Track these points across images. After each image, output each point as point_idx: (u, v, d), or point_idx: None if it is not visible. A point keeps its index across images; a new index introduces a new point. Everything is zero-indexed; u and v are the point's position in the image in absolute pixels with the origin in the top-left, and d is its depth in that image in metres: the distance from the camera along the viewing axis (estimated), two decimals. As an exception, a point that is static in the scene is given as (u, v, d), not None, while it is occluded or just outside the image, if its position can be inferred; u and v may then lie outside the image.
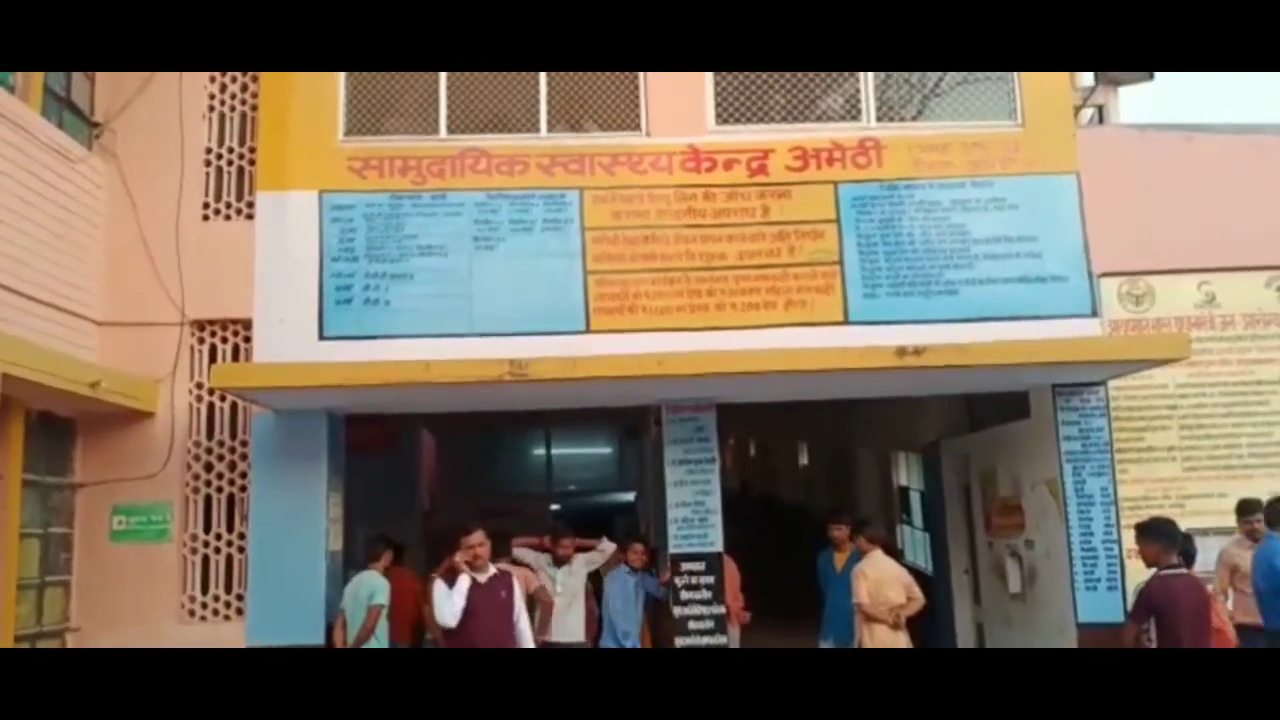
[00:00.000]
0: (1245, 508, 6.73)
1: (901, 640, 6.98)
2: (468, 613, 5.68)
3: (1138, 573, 6.92)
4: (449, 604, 5.69)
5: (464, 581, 5.76)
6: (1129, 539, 7.30)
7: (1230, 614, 6.49)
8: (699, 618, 7.40)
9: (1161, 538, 5.66)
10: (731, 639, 7.66)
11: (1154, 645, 5.53)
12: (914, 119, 8.04)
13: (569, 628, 7.31)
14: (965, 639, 9.76)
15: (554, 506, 14.82)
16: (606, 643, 7.57)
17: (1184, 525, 6.43)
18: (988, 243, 7.60)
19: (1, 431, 6.43)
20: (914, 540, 12.06)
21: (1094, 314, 7.54)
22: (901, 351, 6.65)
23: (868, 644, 6.94)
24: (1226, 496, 7.32)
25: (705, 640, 7.37)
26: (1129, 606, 6.67)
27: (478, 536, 5.85)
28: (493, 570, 5.93)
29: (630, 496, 14.89)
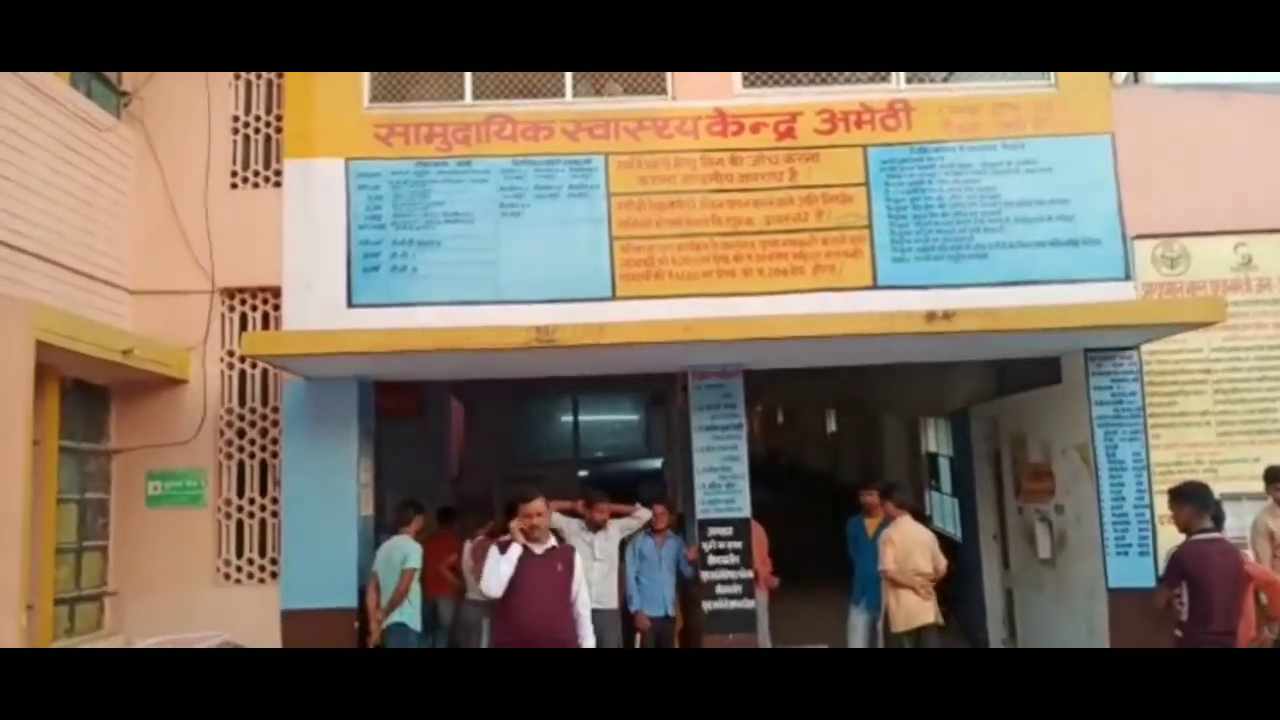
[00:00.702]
0: (1272, 474, 6.64)
1: (929, 608, 6.97)
2: (516, 585, 5.22)
3: (1170, 538, 6.89)
4: (496, 573, 5.27)
5: (515, 551, 5.30)
6: (1161, 504, 7.25)
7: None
8: (727, 582, 7.44)
9: (1194, 501, 5.61)
10: (759, 604, 7.70)
11: (1185, 609, 5.49)
12: (944, 80, 7.91)
13: (605, 594, 7.27)
14: (994, 604, 9.75)
15: (581, 473, 14.92)
16: (639, 606, 7.62)
17: (1217, 491, 6.38)
18: (1019, 205, 7.49)
19: (37, 399, 6.51)
20: (943, 506, 12.03)
21: (1127, 277, 7.44)
22: (931, 316, 6.59)
23: (895, 610, 6.95)
24: (1260, 461, 7.22)
25: (733, 604, 7.41)
26: (1160, 571, 6.63)
27: (538, 504, 5.37)
28: (552, 542, 5.47)
29: (658, 463, 14.97)
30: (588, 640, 5.39)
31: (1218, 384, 7.52)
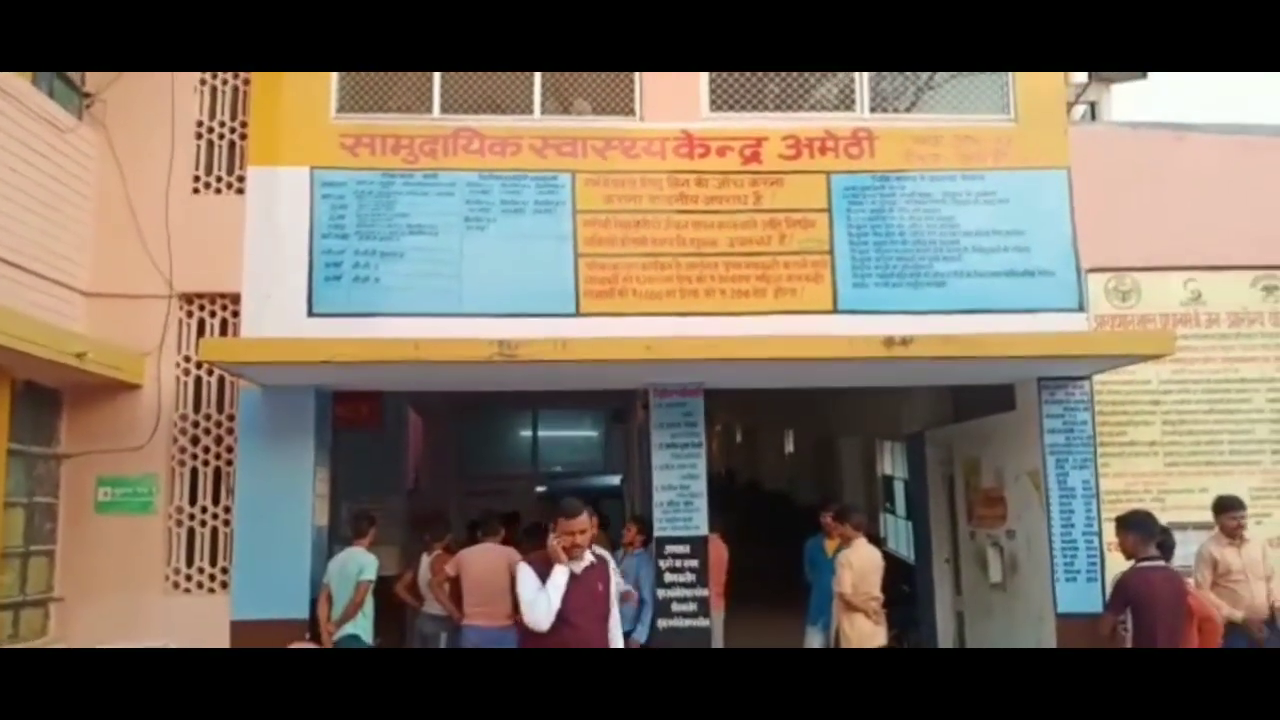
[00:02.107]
0: (1226, 504, 6.80)
1: (881, 632, 7.03)
2: (560, 613, 4.68)
3: (1117, 565, 6.99)
4: (543, 603, 4.67)
5: (561, 575, 4.72)
6: (1109, 531, 7.42)
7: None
8: (682, 600, 7.45)
9: (1139, 530, 5.74)
10: (715, 622, 7.72)
11: (1130, 635, 5.61)
12: (907, 110, 8.06)
13: (627, 618, 6.95)
14: (946, 627, 9.85)
15: (539, 488, 14.87)
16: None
17: (1164, 520, 6.55)
18: (977, 235, 7.64)
19: (-13, 400, 6.43)
20: (896, 529, 12.16)
21: (1080, 309, 7.60)
22: (889, 342, 6.69)
23: (848, 632, 6.99)
24: (1207, 492, 7.39)
25: (688, 623, 7.42)
26: (1107, 598, 6.76)
27: (582, 520, 4.80)
28: (589, 559, 4.88)
29: (616, 480, 14.96)
30: (615, 630, 5.07)
31: (1166, 415, 7.70)
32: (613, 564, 5.09)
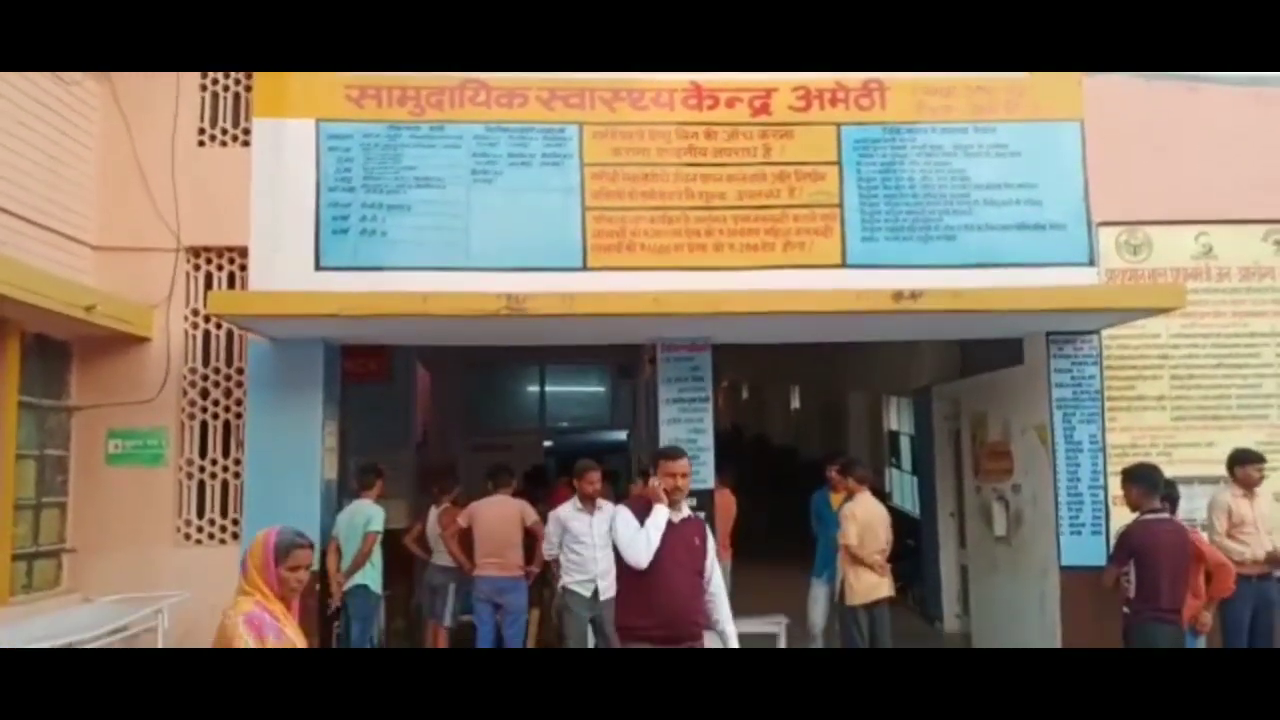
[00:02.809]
0: (1248, 457, 6.79)
1: (885, 583, 7.08)
2: (657, 560, 4.58)
3: (1122, 518, 7.05)
4: (642, 541, 4.55)
5: (663, 515, 4.62)
6: (1115, 485, 7.43)
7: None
8: (689, 553, 7.50)
9: (1143, 483, 5.77)
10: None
11: (1133, 587, 5.64)
12: (919, 61, 7.94)
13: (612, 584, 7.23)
14: (949, 581, 9.95)
15: (546, 443, 14.94)
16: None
17: (1170, 474, 6.56)
18: (988, 189, 7.57)
19: (-3, 353, 6.46)
20: (902, 483, 12.21)
21: (1091, 263, 7.55)
22: (898, 295, 6.67)
23: (852, 584, 7.04)
24: (1213, 446, 7.42)
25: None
26: (1111, 550, 6.80)
27: (685, 463, 4.73)
28: (686, 511, 4.81)
29: (623, 435, 15.02)
30: (729, 625, 4.81)
31: (1174, 370, 7.69)
32: (709, 530, 4.97)
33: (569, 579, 6.90)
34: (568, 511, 7.01)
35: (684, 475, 4.70)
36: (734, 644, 4.78)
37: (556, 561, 7.14)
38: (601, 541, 6.65)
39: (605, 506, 6.81)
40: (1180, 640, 5.62)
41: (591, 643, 6.94)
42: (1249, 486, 6.69)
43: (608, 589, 6.53)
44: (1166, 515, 5.72)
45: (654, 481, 4.74)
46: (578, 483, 7.03)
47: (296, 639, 3.41)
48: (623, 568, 4.67)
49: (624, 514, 4.71)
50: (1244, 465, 6.73)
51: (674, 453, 4.81)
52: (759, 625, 7.76)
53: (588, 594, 6.84)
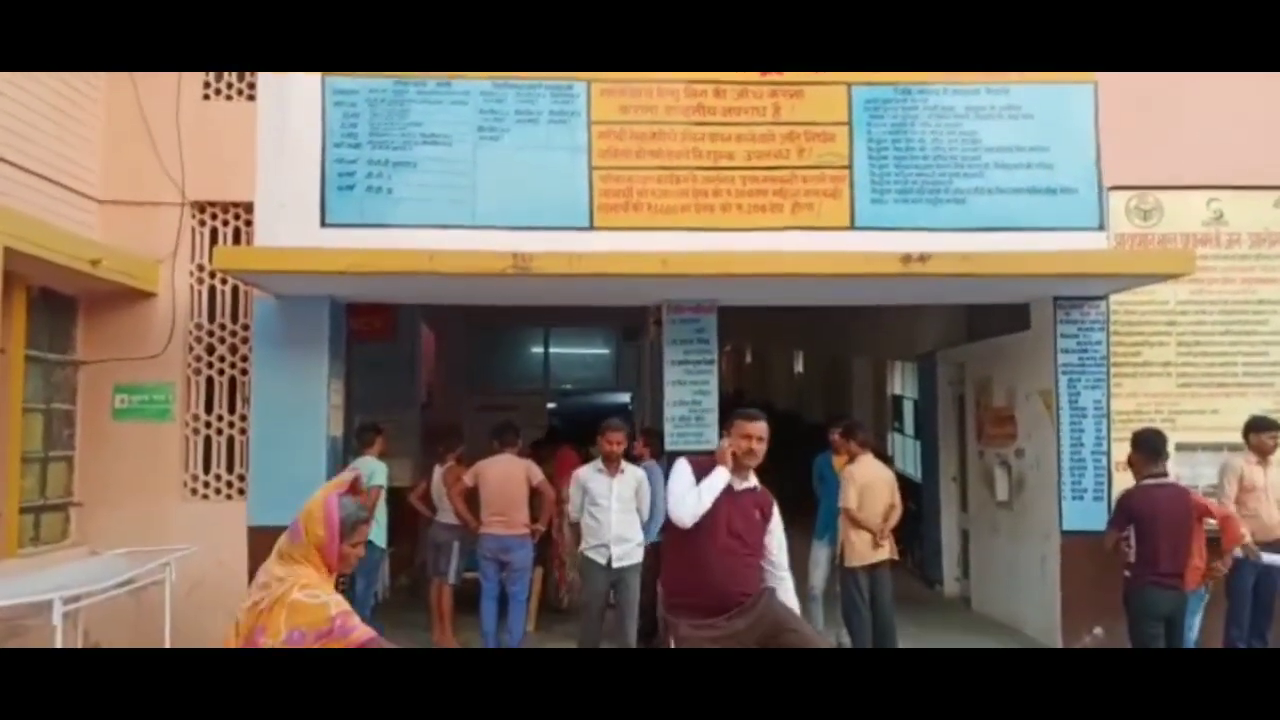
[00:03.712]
0: (1265, 424, 6.79)
1: (885, 546, 7.09)
2: (703, 523, 4.20)
3: (1125, 483, 7.05)
4: (691, 500, 4.19)
5: (722, 477, 4.24)
6: (1119, 451, 7.47)
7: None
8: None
9: (1144, 448, 5.77)
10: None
11: (1133, 551, 5.66)
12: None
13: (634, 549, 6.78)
14: (950, 545, 9.99)
15: (550, 405, 14.96)
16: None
17: (1175, 440, 6.58)
18: (999, 151, 7.51)
19: (4, 306, 6.43)
20: (904, 448, 12.23)
21: (1101, 227, 7.51)
22: (907, 259, 6.64)
23: (852, 545, 7.05)
24: (1218, 413, 7.43)
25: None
26: (1111, 515, 6.82)
27: (762, 426, 4.30)
28: (754, 482, 4.41)
29: (626, 398, 15.03)
30: (792, 602, 4.40)
31: (1181, 336, 7.66)
32: (775, 506, 4.49)
33: (585, 544, 6.58)
34: (588, 472, 6.62)
35: (760, 439, 4.27)
36: None
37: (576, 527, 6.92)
38: (620, 505, 6.42)
39: (628, 469, 6.61)
40: (1181, 604, 5.63)
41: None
42: (1264, 454, 6.69)
43: (622, 556, 6.40)
44: (1169, 480, 5.72)
45: (723, 443, 4.37)
46: (600, 441, 6.58)
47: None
48: (670, 527, 4.31)
49: (681, 466, 4.34)
50: (1260, 432, 6.72)
51: (753, 414, 4.37)
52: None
53: (602, 560, 6.44)
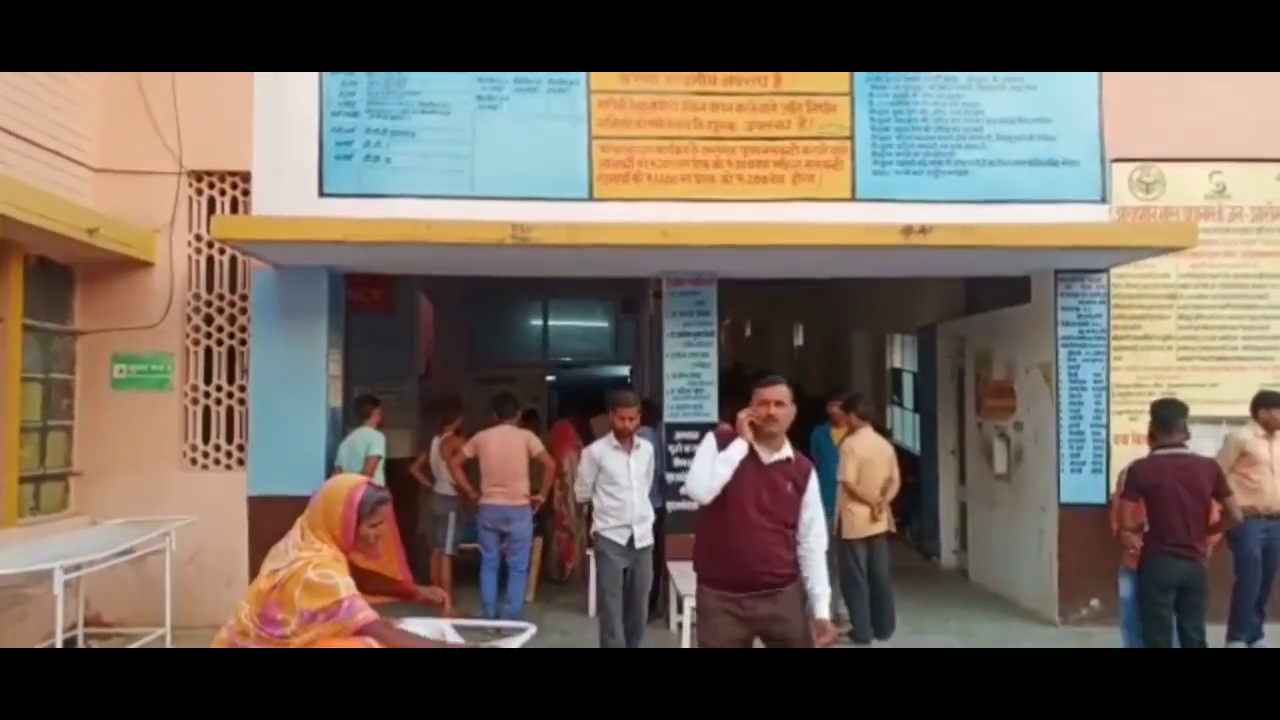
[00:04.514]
0: (1273, 399, 6.78)
1: (883, 519, 7.09)
2: (729, 496, 4.03)
3: (1122, 456, 7.09)
4: (705, 475, 4.08)
5: (739, 449, 4.05)
6: (1118, 424, 7.48)
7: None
8: (691, 485, 7.55)
9: (1157, 419, 5.73)
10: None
11: (1146, 522, 5.60)
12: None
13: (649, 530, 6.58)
14: (948, 517, 10.02)
15: (549, 378, 14.95)
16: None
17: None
18: (1002, 123, 7.46)
19: (1, 275, 6.42)
20: (904, 421, 12.24)
21: (1103, 200, 7.47)
22: (908, 230, 6.60)
23: (850, 517, 7.06)
24: (1217, 387, 7.43)
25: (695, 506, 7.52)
26: (1112, 489, 6.84)
27: (781, 390, 4.08)
28: (786, 453, 4.15)
29: (625, 371, 15.02)
30: (820, 586, 4.12)
31: (1182, 309, 7.65)
32: (814, 477, 4.24)
33: (601, 524, 6.12)
34: (602, 448, 6.16)
35: (778, 403, 4.03)
36: (823, 609, 4.11)
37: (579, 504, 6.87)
38: (639, 483, 6.09)
39: (644, 444, 6.25)
40: (1197, 575, 5.45)
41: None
42: (1272, 429, 6.70)
43: (644, 536, 6.09)
44: (1184, 451, 5.56)
45: (743, 413, 4.13)
46: (612, 416, 6.15)
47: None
48: (701, 504, 4.16)
49: (707, 440, 4.21)
50: (1270, 408, 6.72)
51: (770, 379, 4.14)
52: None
53: (622, 541, 6.06)
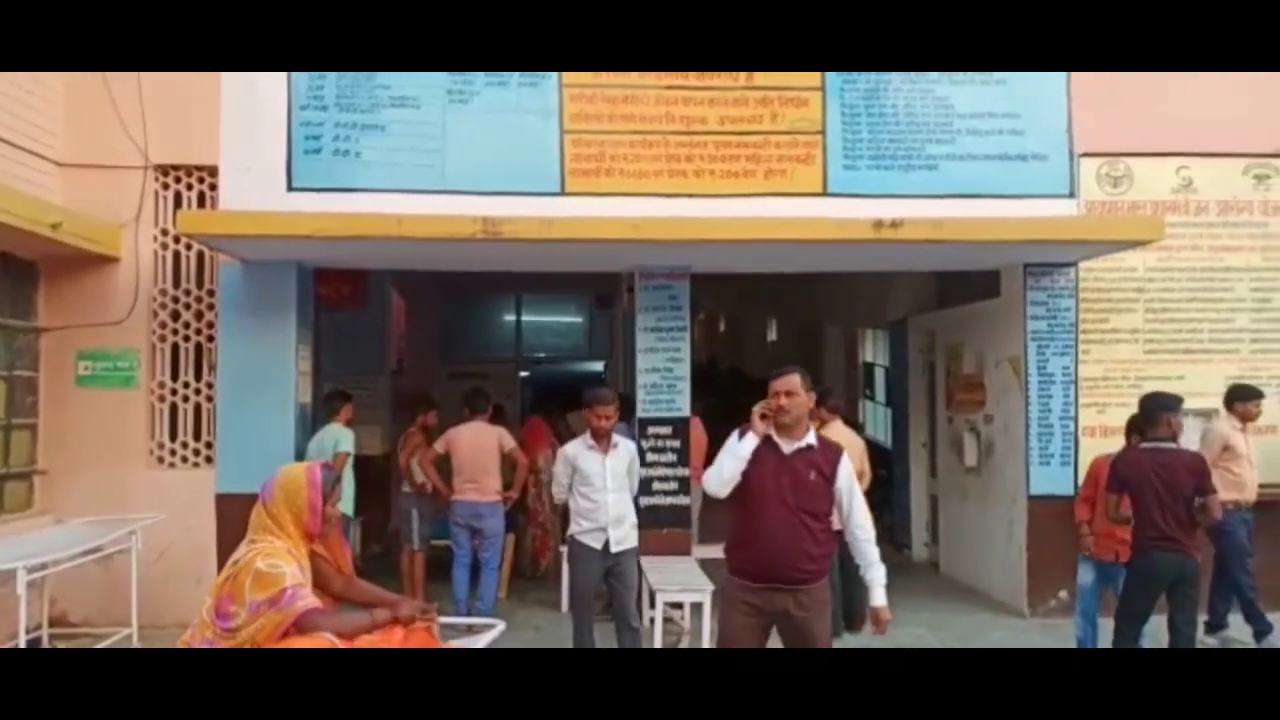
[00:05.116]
0: (1251, 393, 6.87)
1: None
2: (749, 489, 4.07)
3: (1091, 449, 7.17)
4: (718, 466, 4.15)
5: (749, 442, 4.09)
6: (1086, 416, 7.56)
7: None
8: (664, 479, 7.58)
9: (1140, 412, 5.74)
10: (694, 500, 7.85)
11: (1131, 514, 5.60)
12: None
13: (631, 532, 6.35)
14: (919, 510, 10.09)
15: (522, 374, 14.90)
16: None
17: (1134, 406, 6.61)
18: (971, 118, 7.50)
19: (-39, 270, 6.32)
20: (875, 414, 12.31)
21: (1071, 194, 7.54)
22: (878, 225, 6.63)
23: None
24: (1184, 379, 7.51)
25: (669, 500, 7.56)
26: (1079, 481, 6.90)
27: (791, 381, 4.08)
28: (810, 439, 4.15)
29: (599, 367, 15.00)
30: (873, 571, 4.16)
31: (1149, 303, 7.73)
32: (847, 461, 4.23)
33: (575, 527, 5.87)
34: (577, 449, 5.91)
35: (788, 394, 4.04)
36: (877, 596, 4.14)
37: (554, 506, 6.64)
38: (615, 484, 5.81)
39: (623, 444, 5.95)
40: (1185, 567, 5.34)
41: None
42: (1247, 421, 6.79)
43: (620, 540, 5.78)
44: (1163, 445, 5.43)
45: (756, 408, 4.13)
46: (588, 415, 5.90)
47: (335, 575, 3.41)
48: (731, 494, 4.16)
49: (731, 438, 4.20)
50: (1246, 401, 6.82)
51: (780, 371, 4.16)
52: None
53: (598, 545, 5.77)
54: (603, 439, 5.84)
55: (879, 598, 4.15)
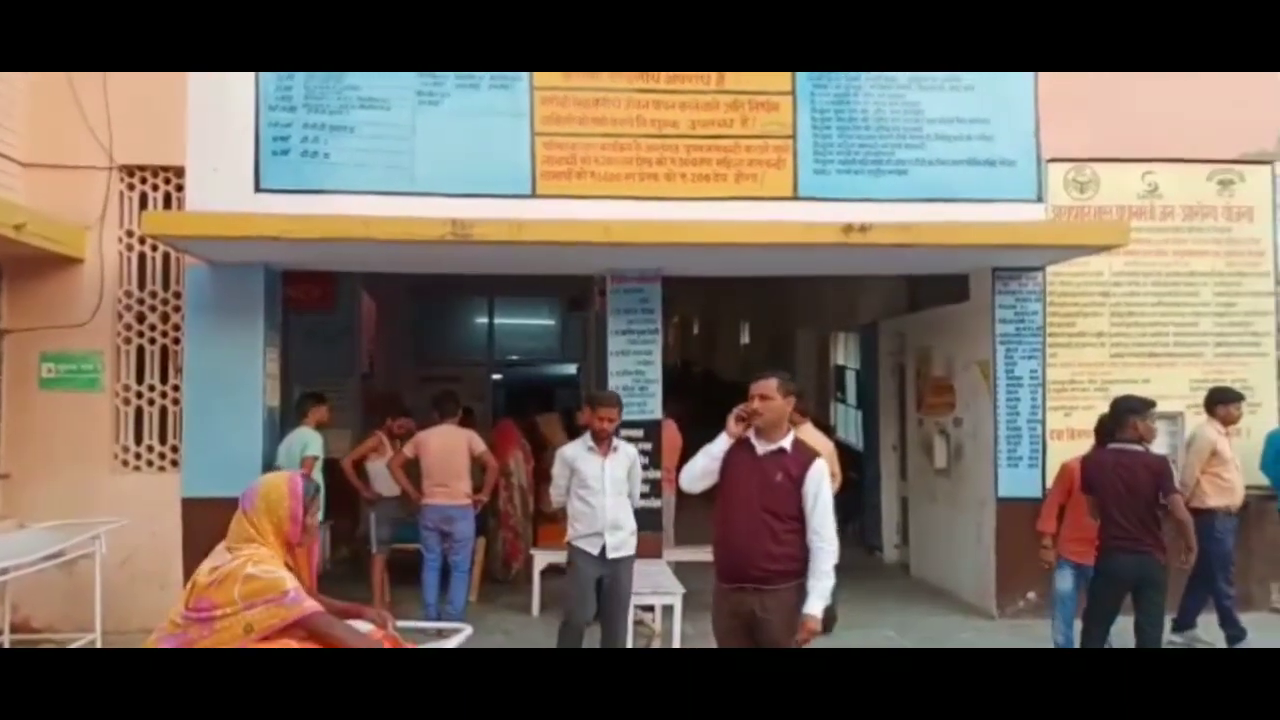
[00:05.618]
0: (1231, 396, 6.97)
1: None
2: (722, 489, 4.26)
3: (1058, 452, 7.24)
4: (692, 463, 4.36)
5: (720, 442, 4.26)
6: (1053, 420, 7.63)
7: (1204, 496, 6.75)
8: (635, 482, 7.56)
9: (1110, 414, 5.78)
10: (666, 503, 7.85)
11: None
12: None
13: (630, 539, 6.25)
14: (890, 512, 10.14)
15: (495, 376, 14.86)
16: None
17: (1105, 410, 6.68)
18: (941, 123, 7.54)
19: (-80, 271, 6.22)
20: (846, 417, 12.36)
21: (1039, 199, 7.60)
22: (848, 229, 6.67)
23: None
24: (1149, 383, 7.59)
25: (641, 503, 7.50)
26: (1048, 484, 6.95)
27: (769, 384, 4.19)
28: (785, 442, 4.21)
29: (572, 369, 14.98)
30: (817, 580, 4.08)
31: (1115, 307, 7.82)
32: (820, 467, 4.22)
33: (571, 531, 5.77)
34: (576, 450, 5.79)
35: (763, 397, 4.15)
36: (811, 604, 4.08)
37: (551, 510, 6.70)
38: (614, 489, 5.71)
39: (623, 447, 5.88)
40: (1147, 568, 5.30)
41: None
42: (1229, 424, 6.87)
43: (617, 546, 5.67)
44: (1127, 447, 5.44)
45: (734, 411, 4.24)
46: (589, 417, 5.81)
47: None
48: (715, 494, 4.33)
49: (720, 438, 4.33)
50: (1228, 404, 6.92)
51: (759, 374, 4.30)
52: (701, 554, 7.84)
53: (594, 551, 5.66)
54: (603, 441, 5.75)
55: (812, 606, 4.08)
